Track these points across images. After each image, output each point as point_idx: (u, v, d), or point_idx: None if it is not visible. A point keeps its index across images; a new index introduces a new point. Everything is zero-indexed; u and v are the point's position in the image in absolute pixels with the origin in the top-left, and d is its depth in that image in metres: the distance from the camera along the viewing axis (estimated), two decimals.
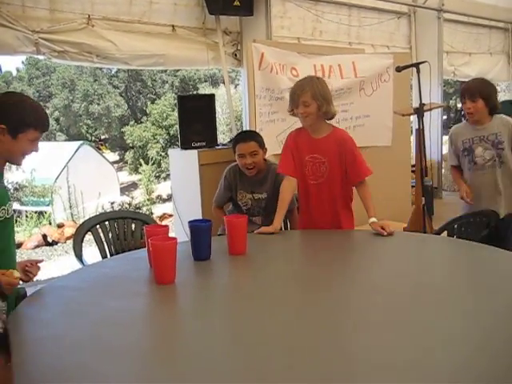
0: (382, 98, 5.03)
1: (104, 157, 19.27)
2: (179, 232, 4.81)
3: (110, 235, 3.13)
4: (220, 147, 4.76)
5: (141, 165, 14.89)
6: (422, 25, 6.41)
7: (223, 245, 2.43)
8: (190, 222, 2.38)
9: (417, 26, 6.45)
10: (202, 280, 2.20)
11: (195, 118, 4.60)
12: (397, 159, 5.24)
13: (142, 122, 20.14)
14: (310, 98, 2.76)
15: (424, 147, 4.23)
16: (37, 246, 7.05)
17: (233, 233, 2.41)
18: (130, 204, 7.90)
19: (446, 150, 8.67)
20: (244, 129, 4.83)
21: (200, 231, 2.32)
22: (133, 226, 3.21)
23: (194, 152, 4.54)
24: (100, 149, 21.86)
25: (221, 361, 1.42)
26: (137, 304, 1.87)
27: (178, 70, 22.02)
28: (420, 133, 4.19)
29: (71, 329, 1.63)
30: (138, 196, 15.15)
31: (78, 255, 2.89)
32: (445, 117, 27.59)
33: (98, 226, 3.10)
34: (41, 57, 4.12)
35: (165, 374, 1.34)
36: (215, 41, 4.96)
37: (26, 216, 9.93)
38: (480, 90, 3.19)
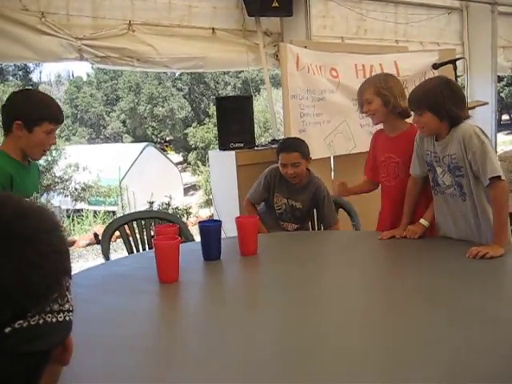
0: None
1: (168, 158, 19.75)
2: None
3: (138, 234, 3.23)
4: (259, 148, 4.79)
5: (198, 166, 15.14)
6: (474, 20, 6.17)
7: (236, 245, 2.45)
8: (199, 222, 2.43)
9: (469, 21, 6.22)
10: (206, 279, 2.24)
11: (234, 119, 4.64)
12: None
13: (204, 124, 20.48)
14: (372, 94, 2.68)
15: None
16: (88, 244, 7.34)
17: (243, 233, 2.43)
18: (168, 204, 8.07)
19: (500, 149, 8.33)
20: (282, 130, 4.81)
21: (209, 231, 2.36)
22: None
23: (232, 153, 4.59)
24: (165, 150, 22.46)
25: (216, 359, 1.43)
26: (135, 302, 1.93)
27: (240, 72, 22.26)
28: None
29: None
30: (200, 197, 15.41)
31: (105, 253, 3.00)
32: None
33: (126, 226, 3.21)
34: (83, 62, 4.29)
35: (157, 372, 1.36)
36: (256, 42, 4.98)
37: (87, 216, 10.31)
38: (425, 101, 2.31)
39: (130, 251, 3.16)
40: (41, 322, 0.61)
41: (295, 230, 3.20)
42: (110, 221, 3.39)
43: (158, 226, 2.45)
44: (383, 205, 2.91)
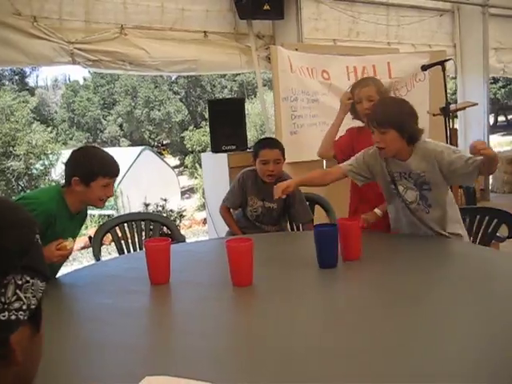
0: (417, 98, 4.89)
1: (165, 161, 19.76)
2: (212, 233, 4.90)
3: (129, 236, 3.24)
4: (251, 150, 4.80)
5: (196, 169, 15.16)
6: (466, 22, 6.21)
7: None
8: (315, 226, 2.23)
9: (461, 23, 6.27)
10: (197, 280, 2.22)
11: (226, 121, 4.67)
12: None
13: (201, 127, 20.48)
14: (375, 92, 2.79)
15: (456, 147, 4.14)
16: (83, 248, 7.33)
17: (235, 262, 2.03)
18: (163, 207, 8.11)
19: (496, 151, 8.31)
20: (274, 132, 4.84)
21: (326, 236, 2.12)
22: (151, 227, 3.32)
23: (224, 155, 4.62)
24: (162, 154, 22.46)
25: (206, 359, 1.42)
26: (124, 302, 1.93)
27: (237, 75, 22.30)
28: (451, 132, 4.10)
29: (56, 325, 1.70)
30: (197, 200, 15.42)
31: (96, 255, 3.01)
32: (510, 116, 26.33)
33: (117, 228, 3.22)
34: (76, 66, 4.32)
35: (146, 371, 1.31)
36: (248, 45, 5.01)
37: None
38: (390, 119, 2.29)
39: (122, 253, 3.18)
40: None
41: (271, 230, 3.17)
42: (102, 223, 3.40)
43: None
44: (355, 201, 2.99)
